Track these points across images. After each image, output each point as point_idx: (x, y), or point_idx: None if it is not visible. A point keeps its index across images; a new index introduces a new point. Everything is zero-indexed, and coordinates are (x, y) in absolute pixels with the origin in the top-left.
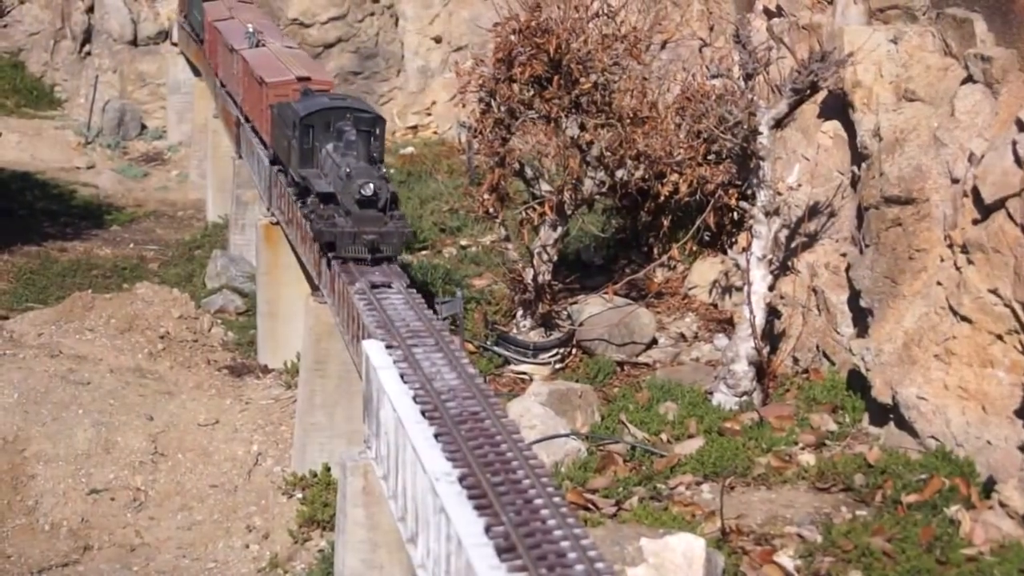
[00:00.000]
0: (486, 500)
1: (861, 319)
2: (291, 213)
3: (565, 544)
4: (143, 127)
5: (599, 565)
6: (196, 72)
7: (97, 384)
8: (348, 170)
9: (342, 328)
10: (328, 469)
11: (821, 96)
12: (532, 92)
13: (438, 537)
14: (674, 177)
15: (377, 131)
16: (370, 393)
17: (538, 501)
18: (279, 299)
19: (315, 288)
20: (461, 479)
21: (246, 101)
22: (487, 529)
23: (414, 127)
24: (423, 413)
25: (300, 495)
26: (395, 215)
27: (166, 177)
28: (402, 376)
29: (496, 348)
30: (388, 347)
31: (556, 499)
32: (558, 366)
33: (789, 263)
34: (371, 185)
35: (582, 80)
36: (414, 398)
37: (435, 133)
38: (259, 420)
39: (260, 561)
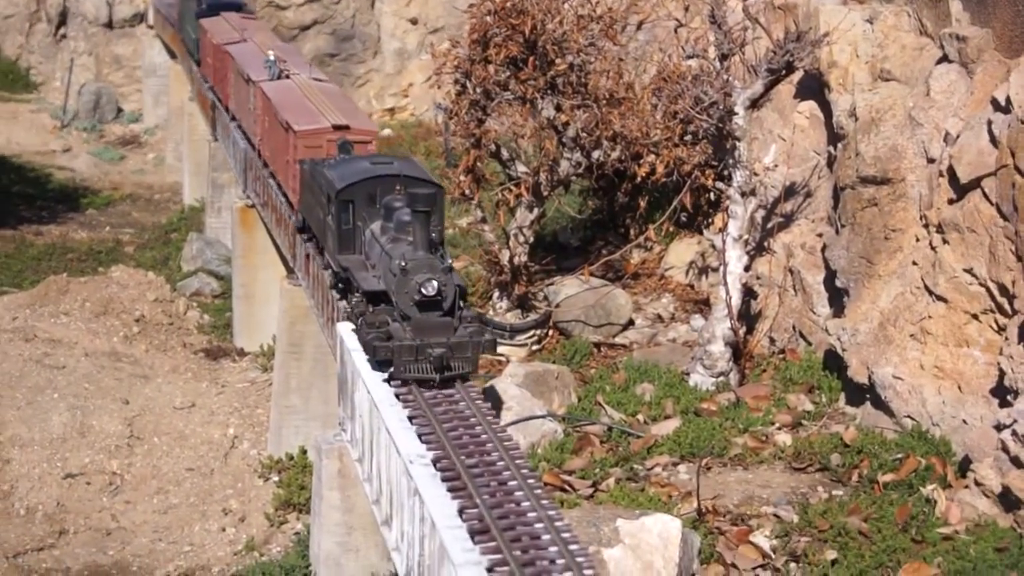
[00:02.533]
0: (460, 482)
1: (837, 299)
2: (266, 196)
3: (539, 526)
4: (119, 110)
5: (573, 547)
6: (172, 55)
7: (72, 368)
8: (403, 263)
9: (317, 311)
10: (304, 452)
11: (797, 76)
12: (508, 73)
13: (412, 519)
14: (650, 158)
15: (436, 207)
16: (345, 376)
17: (512, 483)
18: (255, 282)
19: (290, 271)
20: (435, 461)
21: (265, 144)
22: (461, 511)
23: (391, 109)
24: (397, 396)
25: (276, 478)
26: (466, 316)
27: (142, 160)
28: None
29: None
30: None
31: (531, 481)
32: (535, 348)
33: (765, 243)
34: (434, 283)
35: (558, 61)
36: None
37: (412, 115)
38: (235, 403)
39: (236, 544)
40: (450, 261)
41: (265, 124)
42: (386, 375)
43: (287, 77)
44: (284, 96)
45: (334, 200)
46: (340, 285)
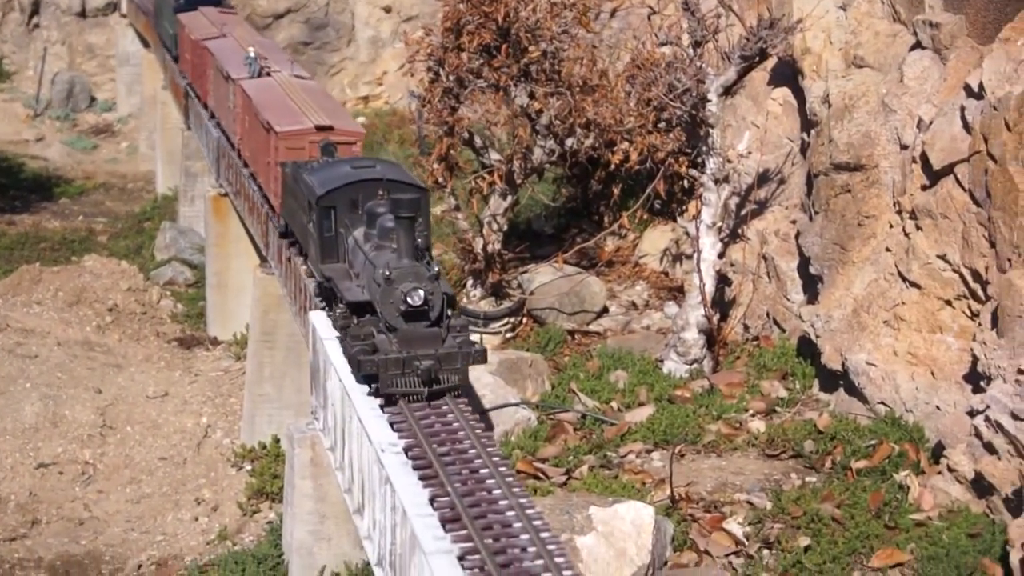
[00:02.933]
0: (432, 471)
1: (811, 286)
2: (239, 184)
3: (511, 514)
4: (92, 99)
5: (544, 535)
6: (145, 44)
7: (45, 357)
8: (387, 272)
9: (290, 300)
10: (277, 441)
11: (771, 63)
12: (481, 61)
13: (383, 508)
14: (624, 145)
15: (421, 212)
16: (317, 364)
17: (484, 471)
18: (228, 271)
19: (263, 259)
20: (407, 450)
21: (245, 144)
22: (432, 500)
23: (365, 97)
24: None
25: (249, 467)
26: (455, 326)
27: (116, 149)
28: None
29: None
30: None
31: (502, 469)
32: (508, 335)
33: (739, 230)
34: (420, 292)
35: (531, 48)
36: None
37: (386, 103)
38: (208, 392)
39: (209, 534)
40: (437, 268)
41: (245, 123)
42: (371, 389)
43: (268, 74)
44: (265, 95)
45: (315, 207)
46: (323, 294)
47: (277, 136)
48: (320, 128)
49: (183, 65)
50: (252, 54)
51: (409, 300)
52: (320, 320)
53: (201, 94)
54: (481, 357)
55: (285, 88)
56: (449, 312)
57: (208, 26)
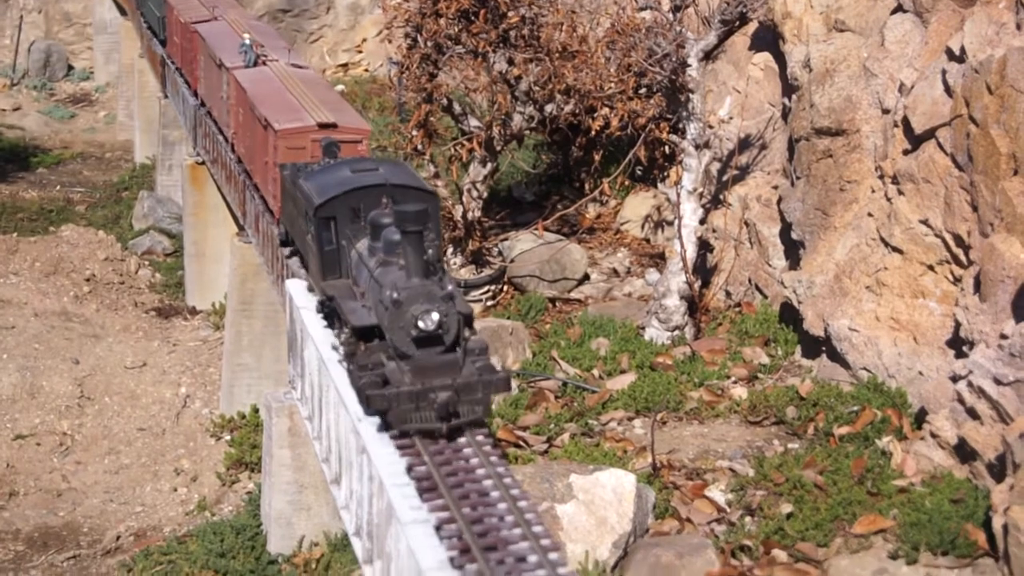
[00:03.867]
0: (408, 440)
1: (793, 251)
2: (216, 152)
3: (488, 483)
4: (70, 68)
5: (522, 503)
6: (122, 11)
7: (22, 328)
8: (395, 294)
9: (267, 268)
10: (256, 410)
11: (751, 28)
12: (459, 27)
13: (360, 478)
14: (604, 111)
15: (429, 222)
16: (294, 333)
17: (461, 439)
18: (206, 240)
19: (241, 228)
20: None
21: (240, 140)
22: (409, 469)
23: (344, 65)
24: (267, 209)
25: (228, 437)
26: (473, 349)
27: (93, 118)
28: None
29: None
30: (311, 289)
31: (480, 438)
32: (489, 303)
33: (721, 196)
34: (433, 315)
35: (510, 14)
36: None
37: (366, 71)
38: (187, 362)
39: (188, 504)
40: (452, 285)
41: (240, 118)
42: (382, 424)
43: (263, 63)
44: (262, 88)
45: (313, 217)
46: (326, 314)
47: (277, 135)
48: (323, 125)
49: (171, 49)
50: (248, 41)
51: (421, 325)
52: (297, 289)
53: (191, 81)
54: (504, 385)
55: (283, 79)
56: (467, 334)
57: (198, 7)
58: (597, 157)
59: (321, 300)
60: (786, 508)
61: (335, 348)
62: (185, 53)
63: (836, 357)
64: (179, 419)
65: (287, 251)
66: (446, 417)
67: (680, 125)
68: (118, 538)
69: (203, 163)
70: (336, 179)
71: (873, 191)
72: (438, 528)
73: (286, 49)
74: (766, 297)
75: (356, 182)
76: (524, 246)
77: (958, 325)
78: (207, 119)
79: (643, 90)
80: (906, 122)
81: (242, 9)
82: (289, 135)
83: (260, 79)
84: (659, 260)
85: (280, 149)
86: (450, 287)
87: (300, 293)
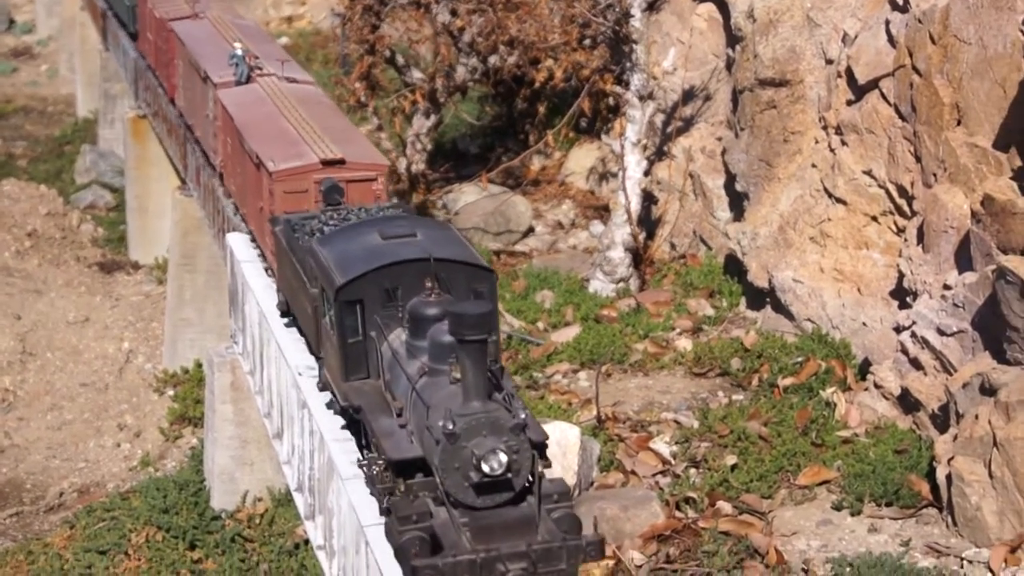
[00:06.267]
0: None
1: (737, 203)
2: (157, 105)
3: None
4: (11, 21)
5: None
6: None
7: None
8: (450, 424)
9: (208, 221)
10: (199, 365)
11: None
12: None
13: (302, 433)
14: (548, 63)
15: (493, 325)
16: (235, 287)
17: None
18: (148, 194)
19: (183, 181)
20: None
21: (230, 174)
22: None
23: (289, 18)
24: (262, 258)
25: (171, 392)
26: (552, 495)
27: (36, 72)
28: (267, 270)
29: None
30: (252, 240)
31: None
32: None
33: (665, 148)
34: (501, 456)
35: None
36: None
37: (310, 23)
38: (130, 317)
39: (131, 460)
40: (523, 410)
41: (228, 147)
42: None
43: (252, 79)
44: (253, 113)
45: (333, 301)
46: (347, 422)
47: (271, 177)
48: (327, 163)
49: (143, 46)
50: (240, 51)
51: (484, 468)
52: (238, 242)
53: (167, 88)
54: (597, 551)
55: (278, 101)
56: (540, 468)
57: (176, 0)
58: (541, 109)
59: (342, 406)
60: (731, 460)
61: (366, 475)
62: (160, 54)
63: (780, 308)
64: (122, 374)
65: (285, 320)
66: None
67: (624, 76)
68: (61, 494)
69: (144, 116)
70: (362, 248)
71: (817, 142)
72: None
73: (279, 60)
74: (711, 249)
75: (390, 255)
76: (468, 199)
77: (901, 276)
78: (148, 73)
79: (587, 41)
80: (849, 72)
81: (226, 3)
82: (287, 177)
83: (251, 102)
84: (604, 212)
85: (277, 195)
86: (522, 412)
87: (241, 247)
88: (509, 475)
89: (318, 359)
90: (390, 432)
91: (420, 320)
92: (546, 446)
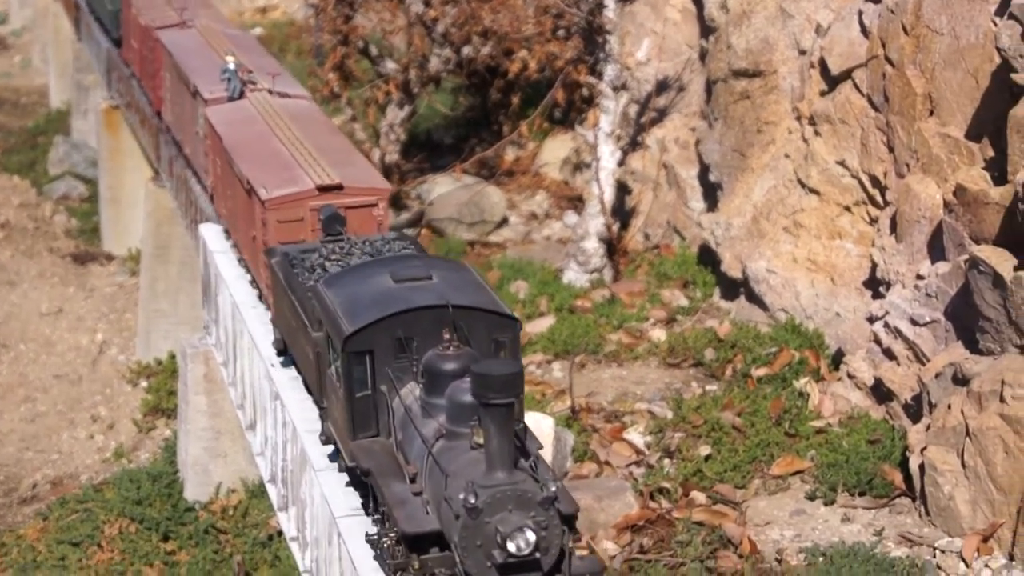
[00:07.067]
0: None
1: (711, 194)
2: (130, 96)
3: None
4: None
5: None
6: None
7: None
8: (471, 497)
9: (181, 212)
10: (173, 357)
11: None
12: None
13: (275, 424)
14: (522, 54)
15: (519, 386)
16: (208, 278)
17: None
18: (122, 185)
19: (156, 172)
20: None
21: (220, 197)
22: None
23: (263, 9)
24: (259, 297)
25: (145, 384)
26: (582, 571)
27: (9, 63)
28: (239, 260)
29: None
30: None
31: None
32: None
33: (639, 139)
34: (528, 534)
35: None
36: (251, 282)
37: (284, 13)
38: (103, 308)
39: (105, 452)
40: (553, 481)
41: (218, 169)
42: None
43: (243, 95)
44: (243, 134)
45: (341, 351)
46: (353, 481)
47: (264, 205)
48: (324, 188)
49: (127, 54)
50: (232, 65)
51: (510, 547)
52: (210, 233)
53: (153, 100)
54: None
55: (270, 120)
56: (570, 540)
57: (162, 7)
58: (515, 99)
59: (349, 466)
60: (704, 450)
61: (374, 550)
62: (146, 63)
63: (754, 299)
64: (95, 366)
65: (282, 360)
66: None
67: (598, 67)
68: (34, 486)
69: (117, 107)
70: (371, 292)
71: (790, 132)
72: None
73: (270, 75)
74: (684, 239)
75: (403, 301)
76: (442, 189)
77: (875, 266)
78: (122, 65)
79: (561, 32)
80: (823, 63)
81: (214, 9)
82: (281, 205)
83: (240, 121)
84: (578, 203)
85: (270, 224)
86: (552, 484)
87: (214, 237)
88: (537, 554)
89: (320, 409)
90: (403, 500)
91: (437, 375)
92: (576, 518)
